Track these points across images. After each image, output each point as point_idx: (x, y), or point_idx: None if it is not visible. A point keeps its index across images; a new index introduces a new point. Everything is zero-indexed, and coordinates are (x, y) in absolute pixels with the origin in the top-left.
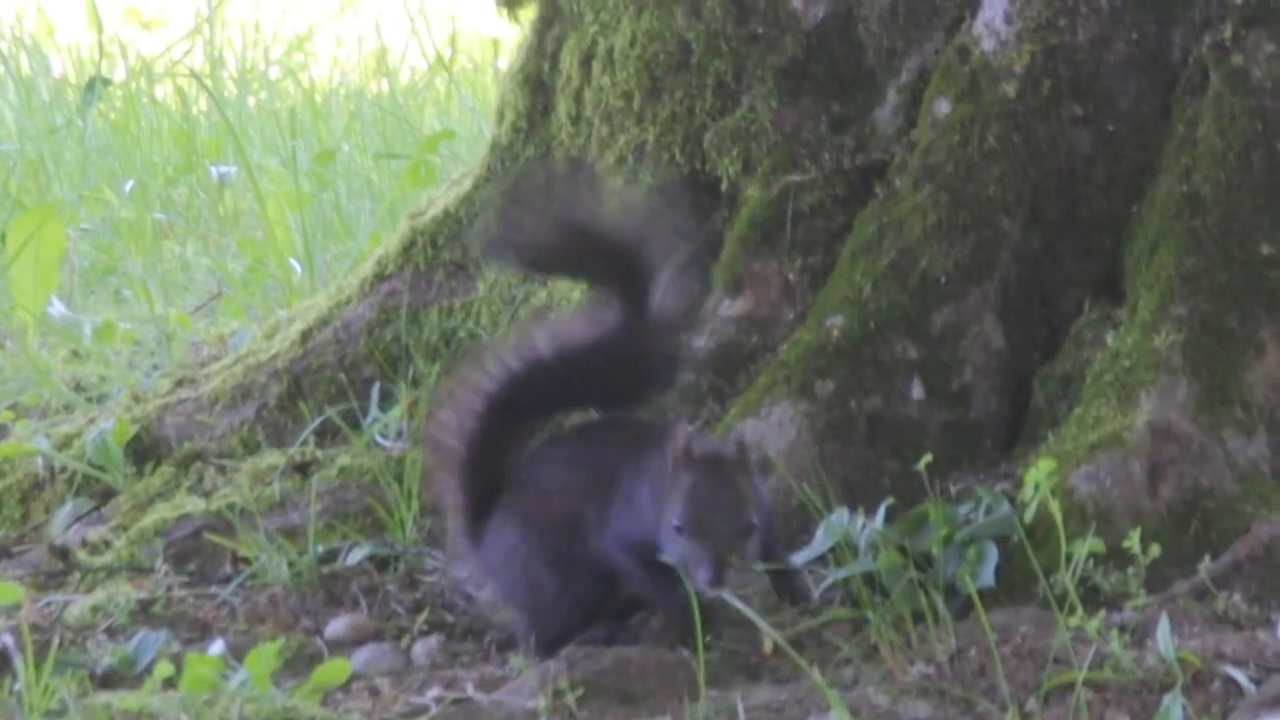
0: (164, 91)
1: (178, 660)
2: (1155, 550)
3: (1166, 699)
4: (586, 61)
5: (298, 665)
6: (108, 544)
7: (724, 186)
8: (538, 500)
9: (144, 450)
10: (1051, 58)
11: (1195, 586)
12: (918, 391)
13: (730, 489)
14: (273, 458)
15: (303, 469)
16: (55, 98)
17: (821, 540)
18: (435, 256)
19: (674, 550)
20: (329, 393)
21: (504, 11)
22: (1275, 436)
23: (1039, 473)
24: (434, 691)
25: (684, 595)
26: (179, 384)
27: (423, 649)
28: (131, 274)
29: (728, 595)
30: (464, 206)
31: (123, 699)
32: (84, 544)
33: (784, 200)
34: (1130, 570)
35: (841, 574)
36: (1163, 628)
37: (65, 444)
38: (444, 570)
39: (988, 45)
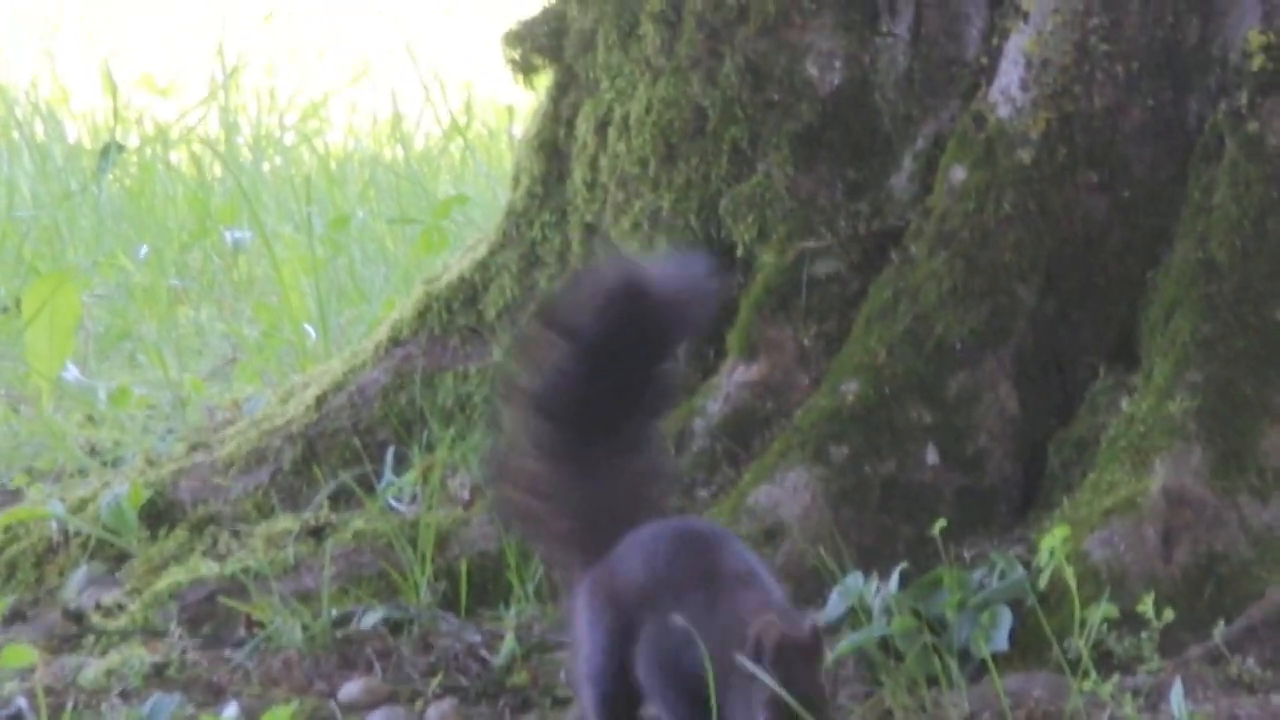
0: (179, 157)
1: None
2: (1169, 615)
3: None
4: (602, 128)
5: None
6: (122, 607)
7: (739, 253)
8: (604, 605)
9: (158, 514)
10: (1067, 125)
11: (1209, 651)
12: (932, 456)
13: (813, 689)
14: (287, 522)
15: (317, 533)
16: (70, 164)
17: (836, 604)
18: (450, 321)
19: None
20: (343, 457)
21: (520, 78)
22: None
23: (1054, 538)
24: None
25: None
26: (193, 448)
27: (436, 713)
28: (146, 339)
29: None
30: (479, 272)
31: None
32: (98, 607)
33: (799, 266)
34: (1144, 634)
35: (856, 638)
36: (1176, 692)
37: (80, 508)
38: (458, 634)
39: (1004, 112)
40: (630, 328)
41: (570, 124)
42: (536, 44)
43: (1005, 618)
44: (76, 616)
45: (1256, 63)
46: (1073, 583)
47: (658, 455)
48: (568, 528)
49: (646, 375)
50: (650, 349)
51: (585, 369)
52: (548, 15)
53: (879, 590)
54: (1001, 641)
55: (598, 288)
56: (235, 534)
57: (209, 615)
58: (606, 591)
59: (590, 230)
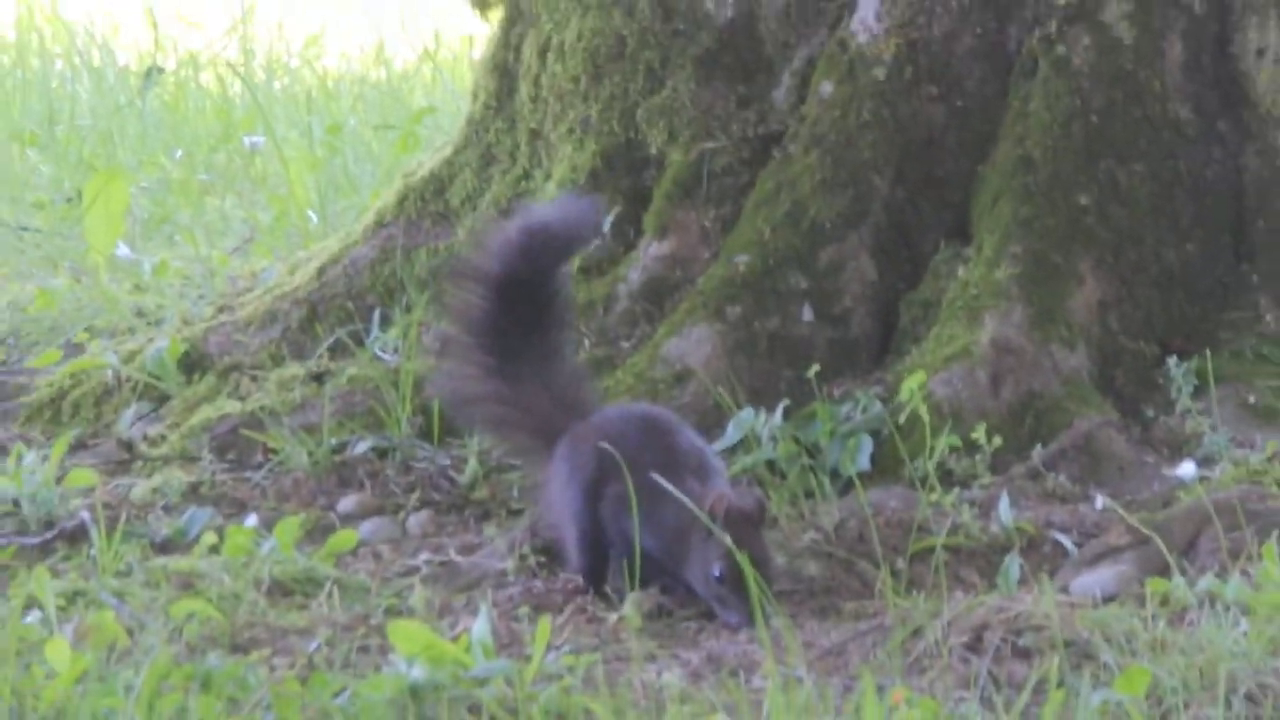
0: (207, 78)
1: (220, 531)
2: (997, 441)
3: (1007, 559)
4: (543, 52)
5: (315, 535)
6: (164, 438)
7: (653, 151)
8: (583, 462)
9: (192, 363)
10: (913, 48)
11: (1029, 469)
12: (808, 314)
13: (758, 547)
14: (295, 369)
15: (319, 378)
16: (120, 83)
17: (732, 433)
18: (424, 208)
19: (710, 594)
20: (339, 317)
21: (477, 12)
22: (1093, 349)
23: (913, 382)
24: (424, 555)
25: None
26: (220, 310)
27: (415, 521)
28: (181, 223)
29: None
30: (446, 168)
31: (176, 562)
32: (145, 438)
33: (700, 163)
34: (978, 457)
35: (748, 461)
36: (1003, 503)
37: (130, 358)
38: (432, 459)
39: (862, 39)
40: (528, 263)
41: (518, 49)
42: None
43: (867, 444)
44: (128, 446)
45: None
46: (924, 415)
47: (572, 358)
48: (526, 424)
49: (547, 300)
50: (546, 278)
51: (498, 304)
52: None
53: (766, 422)
54: (864, 463)
55: (501, 236)
56: (253, 379)
57: (233, 444)
58: (583, 457)
59: (534, 134)
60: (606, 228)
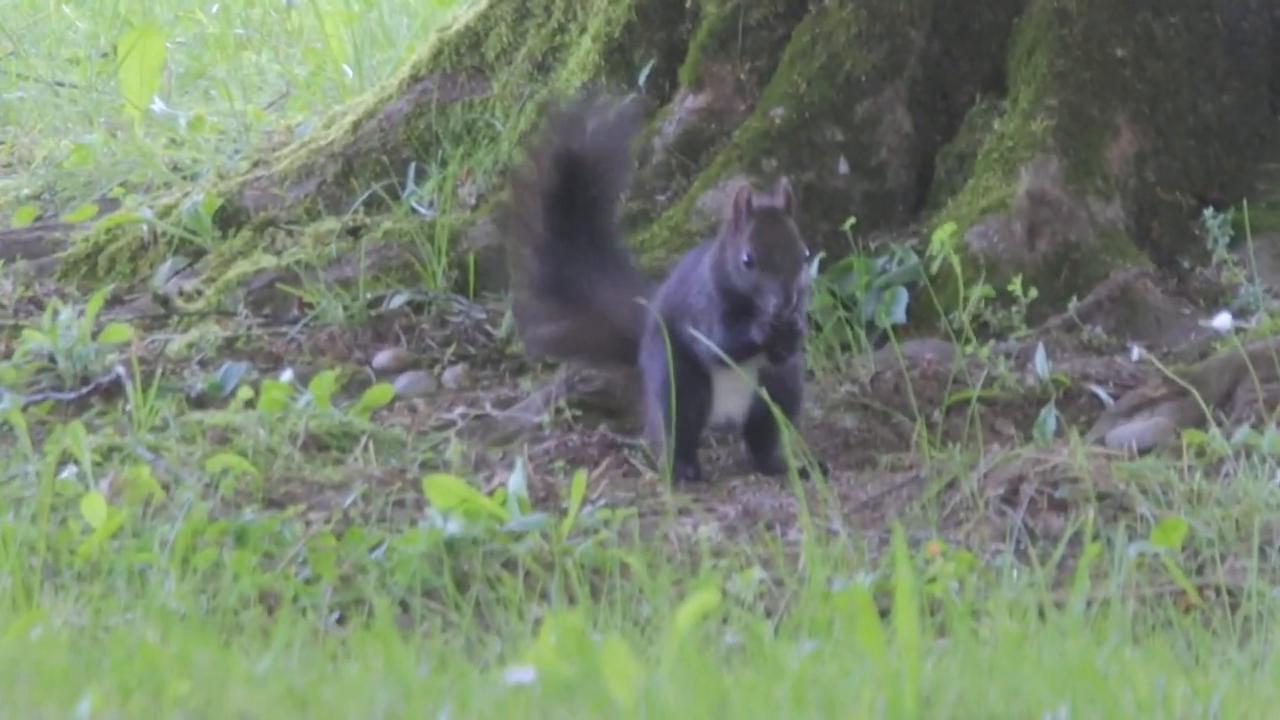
0: None
1: (256, 385)
2: (1033, 293)
3: (1043, 411)
4: None
5: (351, 389)
6: (200, 293)
7: (688, 4)
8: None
9: (228, 218)
10: None
11: (1065, 321)
12: (843, 167)
13: (785, 229)
14: (330, 223)
15: (354, 232)
16: None
17: None
18: (459, 62)
19: (746, 282)
20: (375, 171)
21: None
22: (1129, 201)
23: (943, 233)
24: (460, 409)
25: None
26: (255, 165)
27: (451, 375)
28: (217, 77)
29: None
30: (481, 21)
31: (212, 416)
32: (181, 293)
33: (736, 16)
34: (1014, 309)
35: None
36: (1040, 354)
37: (165, 213)
38: (468, 312)
39: None
40: (570, 177)
41: None
42: None
43: (902, 296)
44: (163, 301)
45: None
46: (957, 268)
47: (631, 262)
48: (598, 334)
49: (600, 208)
50: (590, 188)
51: (550, 217)
52: None
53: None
54: (900, 315)
55: (544, 149)
56: (289, 233)
57: (269, 298)
58: (657, 326)
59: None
60: (642, 81)
